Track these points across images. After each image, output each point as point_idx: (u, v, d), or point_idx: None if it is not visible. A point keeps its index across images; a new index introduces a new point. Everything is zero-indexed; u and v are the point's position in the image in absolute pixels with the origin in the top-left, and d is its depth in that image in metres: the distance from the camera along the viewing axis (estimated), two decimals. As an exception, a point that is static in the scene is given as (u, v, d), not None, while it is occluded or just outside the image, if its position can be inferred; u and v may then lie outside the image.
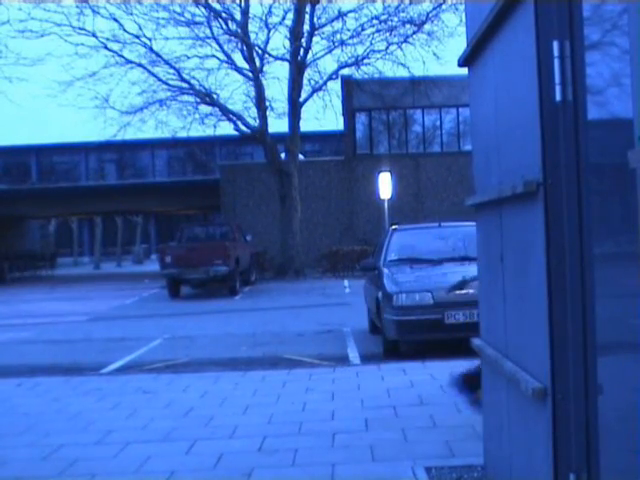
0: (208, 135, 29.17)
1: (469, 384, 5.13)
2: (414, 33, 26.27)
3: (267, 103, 27.06)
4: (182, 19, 25.69)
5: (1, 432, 6.24)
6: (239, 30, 26.19)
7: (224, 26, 26.41)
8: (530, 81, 2.90)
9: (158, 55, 26.04)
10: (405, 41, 26.43)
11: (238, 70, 26.83)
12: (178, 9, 25.52)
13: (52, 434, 6.10)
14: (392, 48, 26.55)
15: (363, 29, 26.54)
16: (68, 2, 25.78)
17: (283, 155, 27.96)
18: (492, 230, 3.76)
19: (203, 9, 25.93)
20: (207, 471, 4.98)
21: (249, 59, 26.55)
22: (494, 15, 3.28)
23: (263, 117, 26.85)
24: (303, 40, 26.46)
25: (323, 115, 45.76)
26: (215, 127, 27.41)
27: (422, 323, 9.16)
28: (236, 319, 15.46)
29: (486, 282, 4.06)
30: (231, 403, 6.99)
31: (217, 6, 26.13)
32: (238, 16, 26.41)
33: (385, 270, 10.32)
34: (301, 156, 30.87)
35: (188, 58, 26.32)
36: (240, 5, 26.47)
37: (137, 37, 25.94)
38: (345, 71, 27.89)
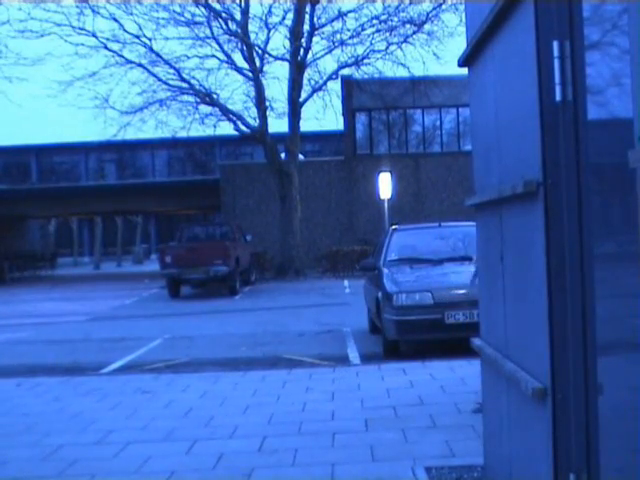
0: (208, 135, 29.17)
1: None
2: (414, 33, 26.27)
3: (267, 103, 27.06)
4: (182, 19, 25.70)
5: (1, 432, 6.24)
6: (239, 30, 26.19)
7: (224, 26, 26.41)
8: (530, 81, 2.89)
9: (158, 55, 26.03)
10: (405, 41, 26.43)
11: (238, 70, 26.83)
12: (178, 9, 25.54)
13: (52, 434, 6.10)
14: (392, 48, 26.57)
15: (363, 29, 26.55)
16: (68, 2, 25.80)
17: (283, 155, 27.96)
18: (492, 230, 3.76)
19: (203, 9, 25.93)
20: (207, 471, 4.98)
21: (249, 59, 26.55)
22: (494, 15, 3.28)
23: (263, 117, 26.84)
24: (303, 40, 26.45)
25: (323, 115, 45.87)
26: (215, 127, 27.42)
27: (422, 323, 9.16)
28: (236, 319, 15.46)
29: (486, 282, 4.06)
30: (231, 403, 6.99)
31: (217, 6, 26.13)
32: (238, 16, 26.42)
33: (385, 270, 10.32)
34: (301, 156, 30.86)
35: (188, 58, 26.35)
36: (240, 5, 26.47)
37: (137, 37, 25.94)
38: (345, 71, 27.89)
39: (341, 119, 30.83)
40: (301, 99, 27.11)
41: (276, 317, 15.34)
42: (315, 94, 27.19)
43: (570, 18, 2.77)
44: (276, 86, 32.88)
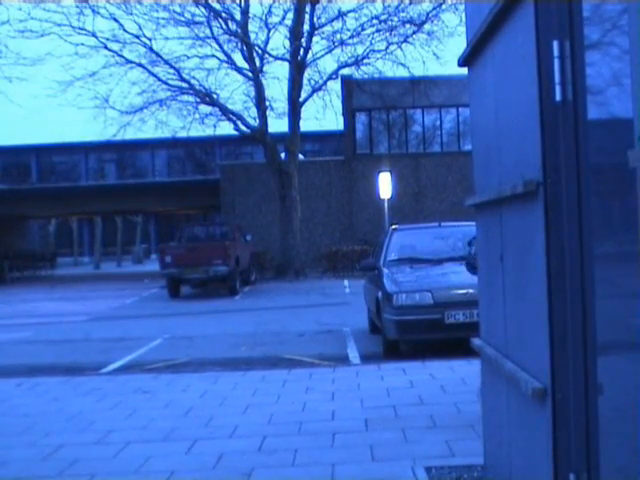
0: (208, 135, 29.15)
1: None
2: (414, 33, 26.26)
3: (267, 103, 27.06)
4: (182, 19, 25.68)
5: (1, 432, 6.24)
6: (239, 30, 26.18)
7: (224, 26, 26.39)
8: (530, 81, 2.89)
9: (158, 55, 26.02)
10: (405, 41, 26.42)
11: (238, 70, 26.82)
12: (178, 9, 25.53)
13: (52, 434, 6.10)
14: (392, 48, 26.56)
15: (363, 29, 26.54)
16: (68, 2, 25.78)
17: (283, 155, 27.95)
18: (492, 230, 3.76)
19: (203, 9, 25.92)
20: (207, 471, 4.98)
21: (249, 59, 26.54)
22: (494, 15, 3.28)
23: (263, 117, 26.84)
24: (303, 40, 26.45)
25: (323, 115, 45.82)
26: (215, 127, 27.41)
27: (422, 323, 9.16)
28: (236, 319, 15.46)
29: (486, 282, 4.06)
30: (231, 403, 6.99)
31: (217, 6, 26.12)
32: (238, 16, 26.41)
33: (385, 270, 10.32)
34: (301, 156, 30.86)
35: (188, 58, 26.33)
36: (240, 5, 26.47)
37: (137, 37, 25.92)
38: (345, 71, 27.89)
39: (341, 119, 30.85)
40: (301, 99, 27.11)
41: (276, 317, 15.34)
42: (315, 94, 27.20)
43: (570, 18, 2.77)
44: (276, 86, 32.93)
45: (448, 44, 25.62)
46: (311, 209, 29.80)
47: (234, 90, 28.89)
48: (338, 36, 26.66)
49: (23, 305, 21.80)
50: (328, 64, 28.20)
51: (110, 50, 25.82)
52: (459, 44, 20.76)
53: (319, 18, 26.71)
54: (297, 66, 26.48)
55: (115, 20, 25.46)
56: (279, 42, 30.49)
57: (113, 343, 12.18)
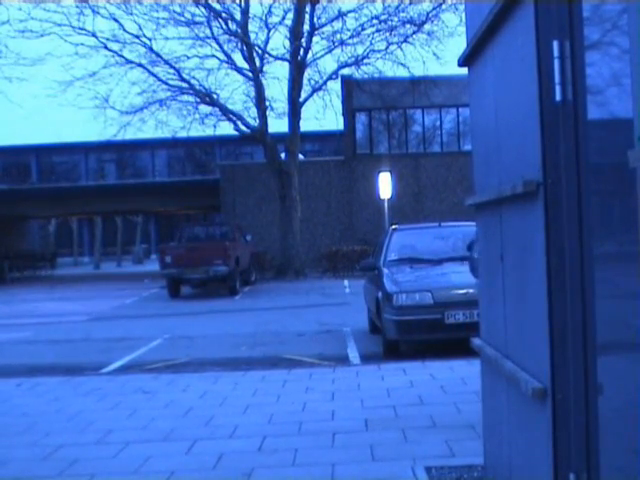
0: (208, 135, 29.14)
1: None
2: (414, 33, 26.26)
3: (267, 103, 27.06)
4: (182, 19, 25.68)
5: (1, 432, 6.24)
6: (239, 30, 26.18)
7: (224, 26, 26.40)
8: (530, 81, 2.89)
9: (158, 55, 26.02)
10: (405, 41, 26.42)
11: (238, 70, 26.82)
12: (178, 9, 25.52)
13: (52, 434, 6.10)
14: (392, 48, 26.56)
15: (363, 29, 26.54)
16: (68, 2, 25.78)
17: (283, 155, 27.95)
18: (492, 230, 3.76)
19: (203, 9, 25.92)
20: (207, 471, 4.98)
21: (249, 59, 26.54)
22: (494, 15, 3.28)
23: (263, 117, 26.84)
24: (303, 40, 26.45)
25: (323, 115, 45.75)
26: (215, 127, 27.41)
27: (422, 323, 9.16)
28: (236, 319, 15.46)
29: (486, 282, 4.06)
30: (231, 403, 6.99)
31: (217, 6, 26.12)
32: (238, 16, 26.41)
33: (385, 270, 10.32)
34: (301, 156, 30.85)
35: (188, 58, 26.33)
36: (240, 5, 26.46)
37: (137, 37, 25.92)
38: (345, 71, 27.89)
39: (341, 119, 30.84)
40: (301, 99, 27.11)
41: (276, 317, 15.34)
42: (315, 94, 27.19)
43: (570, 18, 2.77)
44: (276, 86, 32.86)
45: (448, 44, 25.64)
46: (311, 209, 29.80)
47: (234, 90, 28.87)
48: (338, 36, 26.69)
49: (23, 305, 21.80)
50: (328, 64, 28.23)
51: (110, 50, 25.83)
52: (459, 44, 20.76)
53: (319, 18, 26.72)
54: (297, 66, 26.48)
55: (115, 20, 25.47)
56: (279, 42, 30.48)
57: (113, 343, 12.17)
